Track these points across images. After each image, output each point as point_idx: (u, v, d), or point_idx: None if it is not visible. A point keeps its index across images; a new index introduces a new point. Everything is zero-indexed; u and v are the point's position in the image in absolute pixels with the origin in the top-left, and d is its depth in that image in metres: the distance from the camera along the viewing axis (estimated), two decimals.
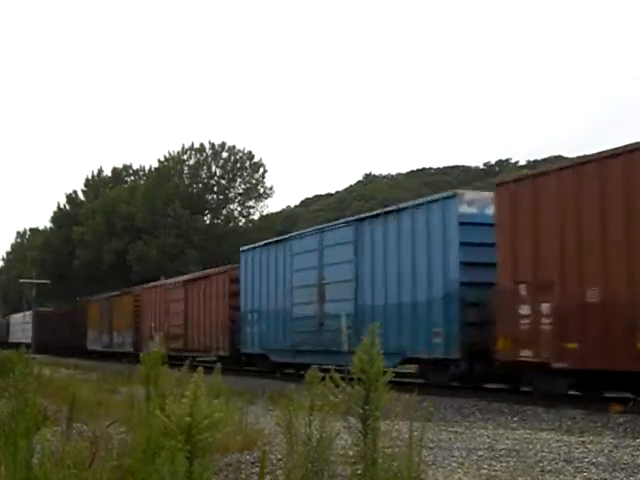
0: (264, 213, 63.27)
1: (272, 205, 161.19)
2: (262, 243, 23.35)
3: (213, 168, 61.58)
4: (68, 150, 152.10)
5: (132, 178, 68.81)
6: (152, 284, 35.07)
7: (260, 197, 61.90)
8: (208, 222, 61.92)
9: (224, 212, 62.55)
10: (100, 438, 5.64)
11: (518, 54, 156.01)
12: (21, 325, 58.12)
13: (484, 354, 13.85)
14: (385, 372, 3.42)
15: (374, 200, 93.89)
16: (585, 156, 13.41)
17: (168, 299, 30.81)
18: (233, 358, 23.94)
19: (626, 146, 11.52)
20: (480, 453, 7.00)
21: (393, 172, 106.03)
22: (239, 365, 23.68)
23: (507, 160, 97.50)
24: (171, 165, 61.54)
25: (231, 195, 62.11)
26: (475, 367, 14.38)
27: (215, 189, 61.95)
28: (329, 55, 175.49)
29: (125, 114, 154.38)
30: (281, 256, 21.31)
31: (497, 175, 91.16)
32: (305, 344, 19.58)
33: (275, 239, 23.01)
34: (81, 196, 71.07)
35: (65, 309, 53.49)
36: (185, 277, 31.10)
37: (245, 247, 24.68)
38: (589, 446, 7.46)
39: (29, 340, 53.14)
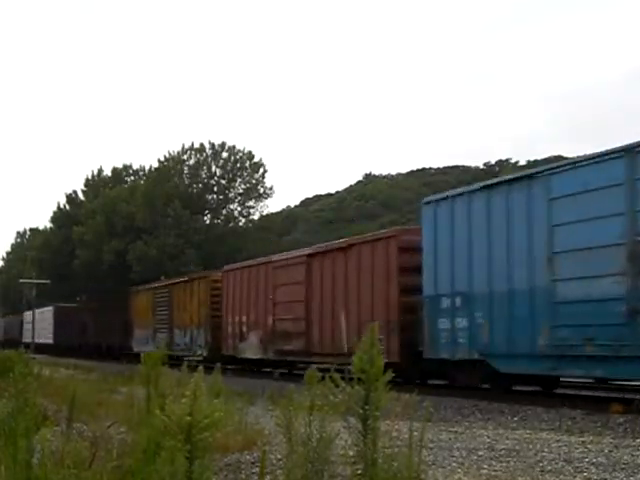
0: (264, 213, 63.29)
1: (272, 205, 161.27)
2: (472, 187, 15.02)
3: (213, 168, 61.58)
4: (68, 150, 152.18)
5: (132, 178, 68.80)
6: (243, 263, 25.66)
7: (260, 197, 61.89)
8: (208, 222, 61.92)
9: (224, 212, 62.56)
10: (100, 438, 5.64)
11: (518, 54, 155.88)
12: (38, 323, 51.87)
13: None
14: (385, 372, 3.42)
15: (374, 200, 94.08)
16: None
17: (274, 282, 21.80)
18: (406, 366, 15.67)
19: None
20: (480, 453, 7.00)
21: (393, 172, 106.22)
22: (417, 375, 16.28)
23: (507, 160, 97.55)
24: (171, 165, 61.55)
25: (231, 195, 62.12)
26: None
27: (215, 189, 61.95)
28: (329, 55, 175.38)
29: (125, 114, 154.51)
30: (520, 203, 13.34)
31: (497, 175, 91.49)
32: (590, 345, 11.74)
33: (505, 178, 14.87)
34: (81, 196, 71.07)
35: (98, 303, 45.47)
36: (310, 249, 21.10)
37: (434, 196, 16.38)
38: (589, 446, 7.46)
39: (50, 340, 48.62)
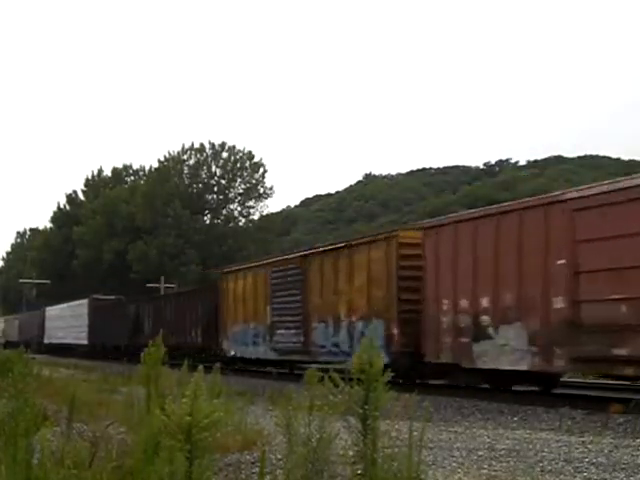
0: (264, 213, 63.41)
1: (272, 205, 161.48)
2: None
3: (213, 168, 61.70)
4: (68, 150, 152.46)
5: (132, 178, 68.99)
6: (471, 213, 15.74)
7: (260, 197, 62.03)
8: (208, 222, 62.03)
9: (224, 212, 62.68)
10: (100, 438, 5.64)
11: (519, 55, 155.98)
12: (66, 320, 43.86)
13: None
14: (384, 372, 3.42)
15: (374, 200, 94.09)
16: None
17: (575, 236, 12.02)
18: None
19: None
20: (480, 453, 6.99)
21: (393, 172, 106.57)
22: None
23: (507, 160, 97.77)
24: (171, 165, 61.66)
25: (231, 195, 62.23)
26: None
27: (215, 189, 62.06)
28: (329, 55, 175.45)
29: (125, 114, 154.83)
30: None
31: (497, 175, 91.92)
32: None
33: None
34: (81, 196, 71.25)
35: (157, 294, 35.42)
36: None
37: None
38: (589, 446, 7.45)
39: (83, 341, 40.56)
